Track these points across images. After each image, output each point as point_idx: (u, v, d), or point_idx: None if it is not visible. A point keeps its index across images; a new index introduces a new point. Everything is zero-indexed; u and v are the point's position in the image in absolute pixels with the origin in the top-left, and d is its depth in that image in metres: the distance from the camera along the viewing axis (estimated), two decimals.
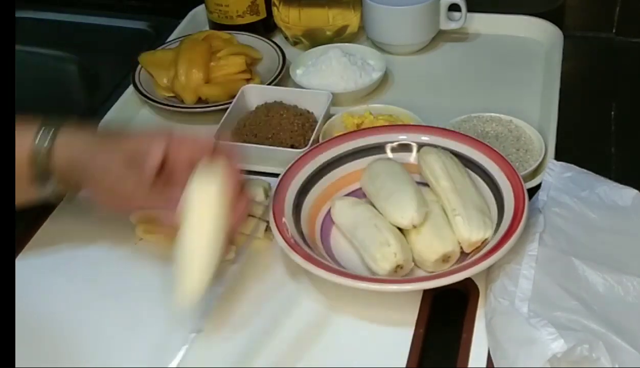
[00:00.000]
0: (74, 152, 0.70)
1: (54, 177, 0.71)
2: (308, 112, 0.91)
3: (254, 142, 0.86)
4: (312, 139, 0.85)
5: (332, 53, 0.98)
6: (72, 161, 0.70)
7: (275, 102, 0.92)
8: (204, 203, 0.66)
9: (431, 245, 0.70)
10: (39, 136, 0.70)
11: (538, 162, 0.81)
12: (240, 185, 0.69)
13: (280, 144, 0.86)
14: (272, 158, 0.84)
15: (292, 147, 0.86)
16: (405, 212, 0.71)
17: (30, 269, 0.77)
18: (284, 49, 1.03)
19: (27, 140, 0.70)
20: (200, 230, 0.65)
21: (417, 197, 0.72)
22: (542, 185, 0.76)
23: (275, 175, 0.79)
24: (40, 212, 0.81)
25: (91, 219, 0.79)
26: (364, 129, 0.84)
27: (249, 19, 1.08)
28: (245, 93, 0.94)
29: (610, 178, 0.76)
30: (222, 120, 0.89)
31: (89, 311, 0.72)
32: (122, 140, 0.71)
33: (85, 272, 0.76)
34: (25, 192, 0.72)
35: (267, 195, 0.79)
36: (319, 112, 0.90)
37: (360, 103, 0.94)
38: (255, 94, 0.94)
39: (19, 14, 1.24)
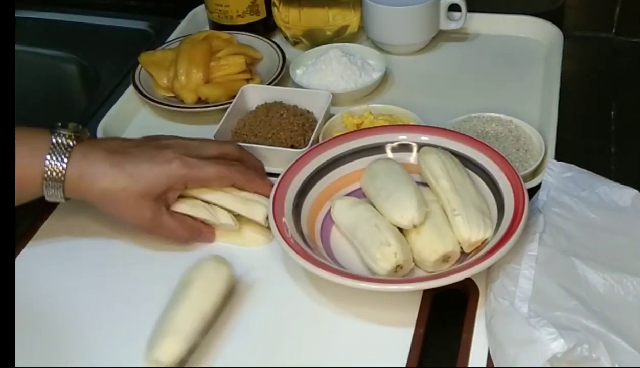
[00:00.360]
0: (85, 173, 0.72)
1: (64, 190, 0.72)
2: (308, 112, 0.91)
3: (253, 142, 0.86)
4: (312, 139, 0.85)
5: (332, 53, 0.98)
6: (83, 181, 0.72)
7: (275, 102, 0.92)
8: (208, 286, 0.68)
9: (431, 245, 0.70)
10: (53, 155, 0.71)
11: (538, 162, 0.81)
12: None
13: (280, 144, 0.86)
14: (272, 158, 0.84)
15: (292, 147, 0.86)
16: (405, 212, 0.71)
17: (37, 261, 0.78)
18: (284, 49, 1.03)
19: (41, 152, 0.71)
20: (196, 308, 0.66)
21: (417, 197, 0.72)
22: (542, 185, 0.76)
23: (275, 175, 0.79)
24: (47, 204, 0.81)
25: (98, 212, 0.78)
26: (364, 129, 0.84)
27: (249, 19, 1.08)
28: (245, 93, 0.94)
29: (610, 178, 0.76)
30: (222, 120, 0.89)
31: (93, 305, 0.72)
32: (138, 168, 0.72)
33: (91, 266, 0.77)
34: (31, 194, 0.73)
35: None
36: (319, 112, 0.90)
37: (360, 103, 0.94)
38: (256, 94, 0.94)
39: (19, 14, 1.24)
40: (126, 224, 0.75)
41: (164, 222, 0.74)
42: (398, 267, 0.69)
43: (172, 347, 0.64)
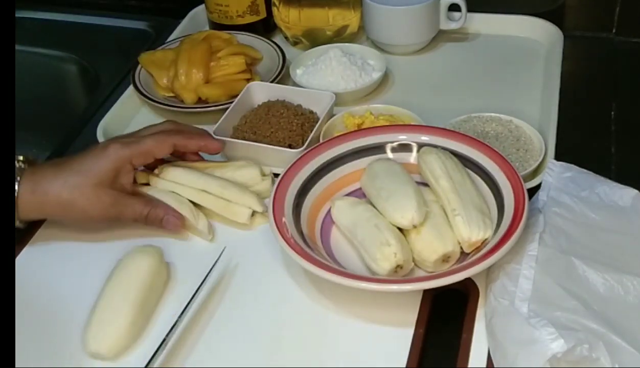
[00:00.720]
0: (37, 186, 0.72)
1: (18, 208, 0.72)
2: (311, 111, 0.91)
3: (252, 139, 0.86)
4: (309, 139, 0.85)
5: (332, 53, 0.98)
6: (37, 194, 0.72)
7: (277, 100, 0.92)
8: (134, 274, 0.70)
9: (431, 245, 0.70)
10: None
11: (538, 162, 0.81)
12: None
13: (278, 143, 0.86)
14: (268, 157, 0.84)
15: (289, 146, 0.85)
16: (405, 212, 0.71)
17: (38, 259, 0.78)
18: (284, 49, 1.03)
19: None
20: (126, 295, 0.68)
21: (417, 197, 0.72)
22: (542, 185, 0.76)
23: (275, 175, 0.79)
24: None
25: None
26: (364, 129, 0.84)
27: (249, 19, 1.08)
28: (251, 90, 0.94)
29: (610, 178, 0.76)
30: (224, 115, 0.89)
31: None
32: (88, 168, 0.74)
33: (93, 263, 0.77)
34: None
35: (263, 174, 0.82)
36: (322, 112, 0.90)
37: (361, 103, 0.94)
38: (261, 91, 0.94)
39: (19, 14, 1.24)
40: (93, 223, 0.77)
41: (127, 202, 0.75)
42: (398, 267, 0.69)
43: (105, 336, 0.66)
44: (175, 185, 0.80)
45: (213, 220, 0.79)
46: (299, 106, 0.91)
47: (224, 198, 0.78)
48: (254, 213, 0.78)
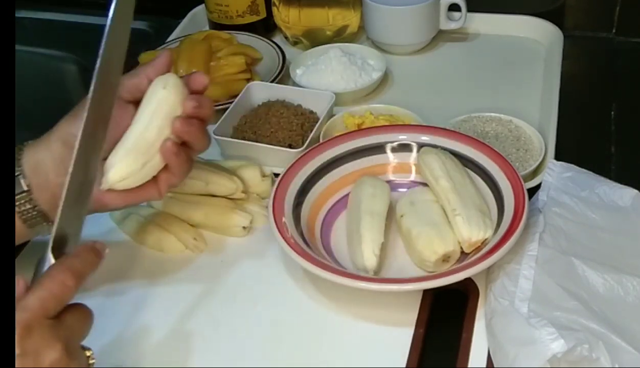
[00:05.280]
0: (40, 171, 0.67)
1: (41, 217, 0.68)
2: (311, 111, 0.91)
3: (252, 139, 0.86)
4: (309, 139, 0.85)
5: (332, 53, 0.99)
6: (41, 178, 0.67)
7: (277, 100, 0.92)
8: (152, 103, 0.65)
9: (431, 245, 0.70)
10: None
11: (538, 162, 0.81)
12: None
13: (278, 143, 0.86)
14: (268, 156, 0.84)
15: (289, 146, 0.85)
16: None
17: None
18: (284, 49, 1.03)
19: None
20: (141, 122, 0.65)
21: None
22: (542, 185, 0.76)
23: (275, 174, 0.79)
24: None
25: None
26: (364, 129, 0.84)
27: (249, 19, 1.09)
28: (251, 89, 0.94)
29: (610, 178, 0.76)
30: (224, 115, 0.89)
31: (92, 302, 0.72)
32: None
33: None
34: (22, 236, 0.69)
35: (263, 175, 0.81)
36: (321, 112, 0.90)
37: (360, 103, 0.94)
38: (261, 91, 0.94)
39: (19, 14, 1.24)
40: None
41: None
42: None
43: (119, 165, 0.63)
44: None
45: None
46: (299, 106, 0.91)
47: (212, 225, 0.78)
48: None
